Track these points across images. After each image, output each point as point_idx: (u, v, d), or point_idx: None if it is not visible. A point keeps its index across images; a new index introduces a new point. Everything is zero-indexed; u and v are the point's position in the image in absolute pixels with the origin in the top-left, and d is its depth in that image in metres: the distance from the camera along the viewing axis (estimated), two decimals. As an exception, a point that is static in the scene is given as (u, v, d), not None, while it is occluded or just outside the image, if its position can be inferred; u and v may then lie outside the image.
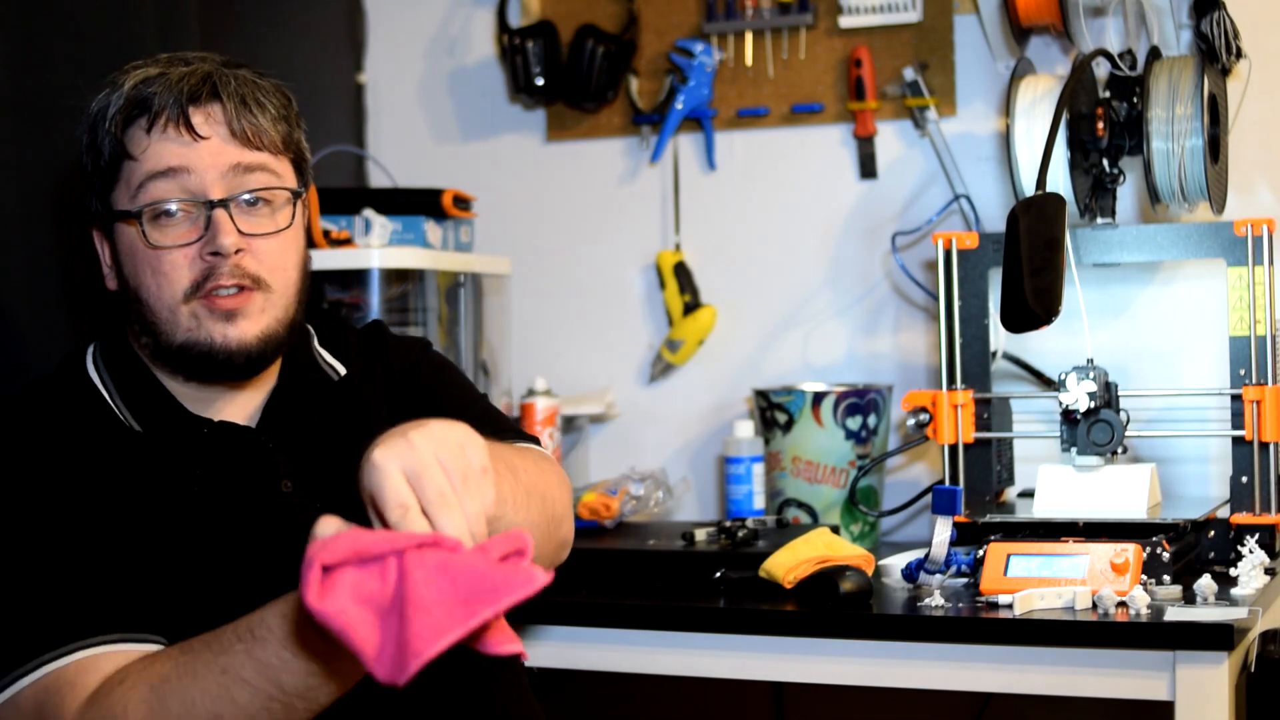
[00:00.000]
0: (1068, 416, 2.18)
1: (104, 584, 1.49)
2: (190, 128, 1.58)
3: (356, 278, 2.41)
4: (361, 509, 1.49)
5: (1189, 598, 1.95)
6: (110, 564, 1.50)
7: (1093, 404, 2.16)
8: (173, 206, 1.58)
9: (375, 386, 1.77)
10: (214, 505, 1.58)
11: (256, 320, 1.60)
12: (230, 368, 1.61)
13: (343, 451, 1.63)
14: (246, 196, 1.60)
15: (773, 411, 2.52)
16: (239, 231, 1.59)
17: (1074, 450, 2.18)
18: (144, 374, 1.65)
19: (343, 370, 1.76)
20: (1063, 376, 2.17)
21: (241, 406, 1.67)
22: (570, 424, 2.79)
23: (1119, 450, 2.17)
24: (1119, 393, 2.18)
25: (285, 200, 1.64)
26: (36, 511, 1.51)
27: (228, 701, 1.35)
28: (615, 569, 2.16)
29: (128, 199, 1.59)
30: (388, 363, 1.81)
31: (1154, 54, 2.29)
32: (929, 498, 2.09)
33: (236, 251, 1.58)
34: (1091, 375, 2.16)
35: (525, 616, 2.07)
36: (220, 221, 1.58)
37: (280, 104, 1.65)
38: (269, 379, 1.71)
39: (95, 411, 1.62)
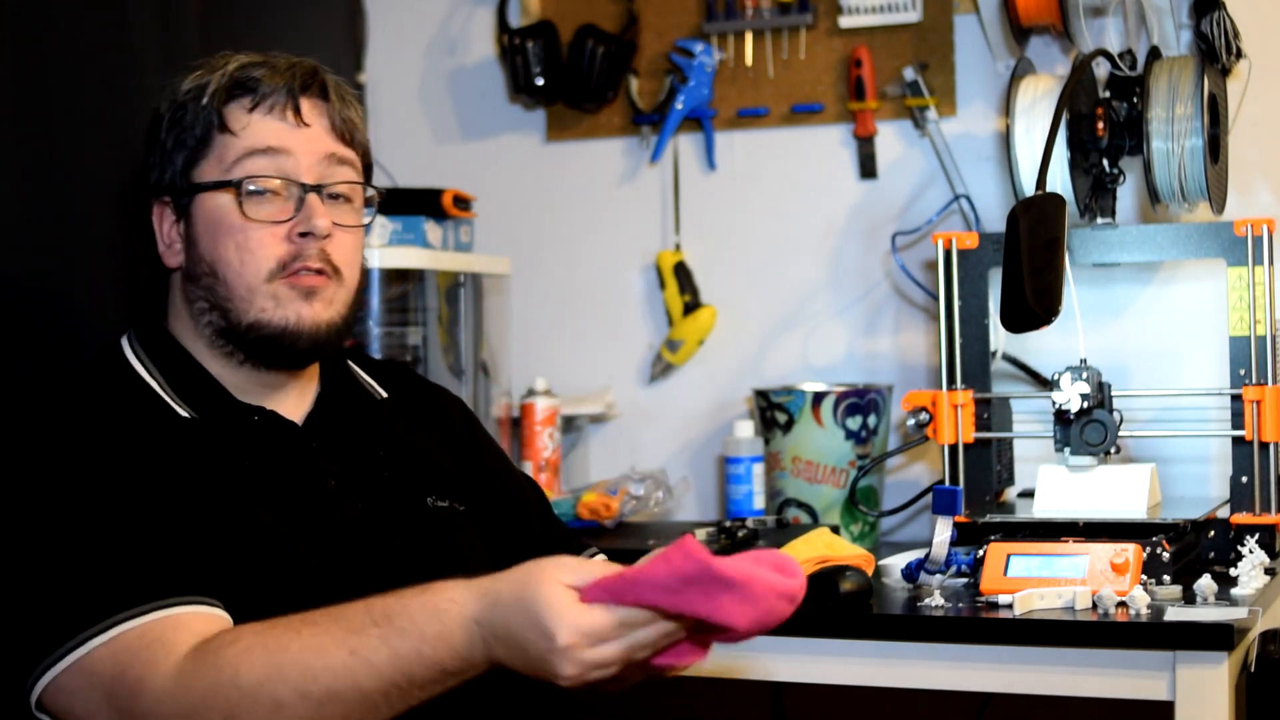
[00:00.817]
0: (1061, 417, 2.18)
1: (168, 548, 1.48)
2: (298, 113, 1.63)
3: (356, 278, 2.41)
4: (399, 521, 1.64)
5: (1189, 598, 1.95)
6: (171, 531, 1.49)
7: (1085, 404, 2.16)
8: (275, 183, 1.61)
9: (412, 417, 1.81)
10: (262, 494, 1.58)
11: (329, 306, 1.64)
12: (292, 352, 1.63)
13: (385, 465, 1.70)
14: (337, 188, 1.65)
15: (773, 411, 2.52)
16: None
17: (1067, 450, 2.19)
18: (189, 361, 1.65)
19: (384, 393, 1.80)
20: (1056, 377, 2.18)
21: (281, 404, 1.68)
22: (570, 424, 2.79)
23: (1112, 450, 2.17)
24: (1117, 393, 2.18)
25: (363, 200, 1.69)
26: (94, 478, 1.50)
27: (350, 682, 1.35)
28: (615, 569, 2.16)
29: (220, 171, 1.61)
30: (423, 401, 1.86)
31: (1154, 54, 2.29)
32: (929, 498, 2.09)
33: (325, 235, 1.62)
34: (1085, 376, 2.16)
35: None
36: (315, 204, 1.62)
37: (360, 112, 1.73)
38: (311, 385, 1.72)
39: (143, 396, 1.61)
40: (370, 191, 1.70)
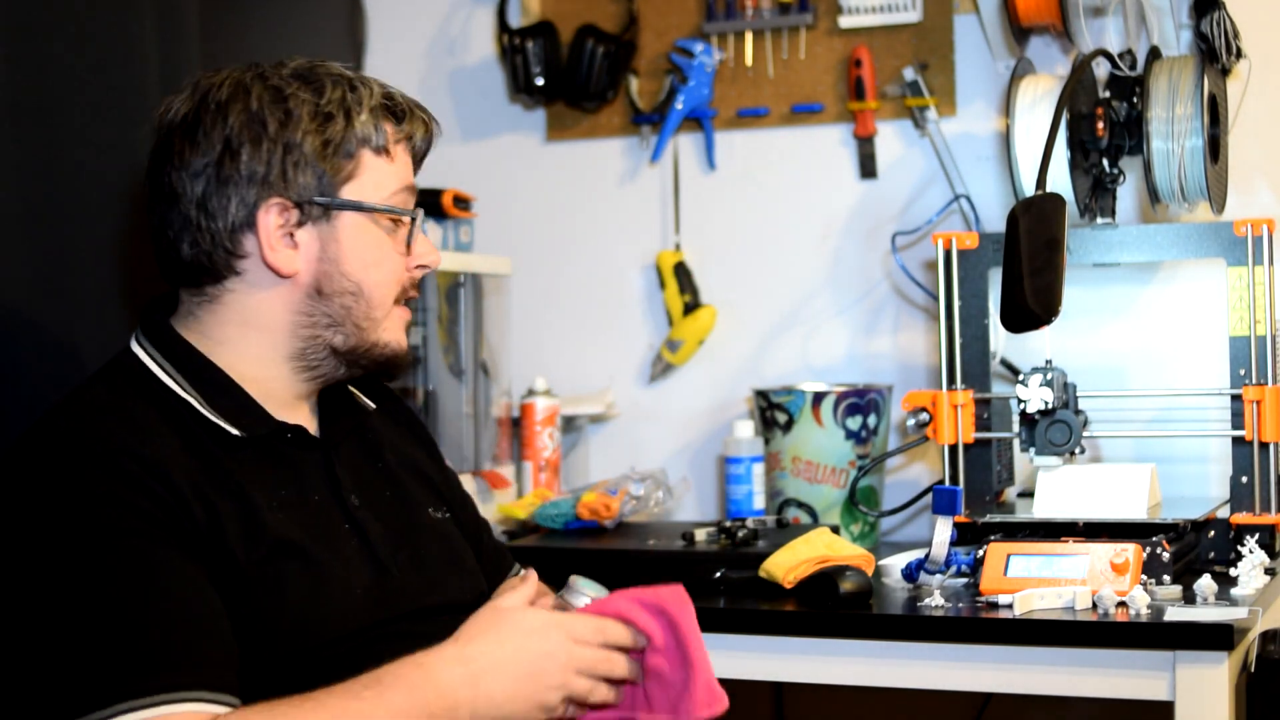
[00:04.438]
0: (1026, 417, 2.19)
1: (191, 626, 1.42)
2: (418, 164, 1.70)
3: (356, 278, 2.40)
4: (411, 536, 1.68)
5: (1189, 598, 1.95)
6: (201, 596, 1.45)
7: (1049, 405, 2.16)
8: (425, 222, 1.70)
9: (396, 426, 1.81)
10: (299, 512, 1.57)
11: None
12: (392, 373, 1.69)
13: (387, 478, 1.71)
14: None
15: (773, 411, 2.52)
16: None
17: (1033, 450, 2.19)
18: (218, 372, 1.60)
19: (372, 405, 1.79)
20: (1024, 377, 2.18)
21: (303, 417, 1.66)
22: (570, 424, 2.79)
23: (1076, 450, 2.18)
24: (1118, 393, 2.18)
25: None
26: (127, 535, 1.43)
27: None
28: (615, 569, 2.16)
29: (377, 196, 1.62)
30: (400, 409, 1.87)
31: (1154, 54, 2.29)
32: (929, 498, 2.10)
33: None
34: (1049, 377, 2.17)
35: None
36: (428, 240, 1.70)
37: None
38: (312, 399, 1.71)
39: (185, 415, 1.56)
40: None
